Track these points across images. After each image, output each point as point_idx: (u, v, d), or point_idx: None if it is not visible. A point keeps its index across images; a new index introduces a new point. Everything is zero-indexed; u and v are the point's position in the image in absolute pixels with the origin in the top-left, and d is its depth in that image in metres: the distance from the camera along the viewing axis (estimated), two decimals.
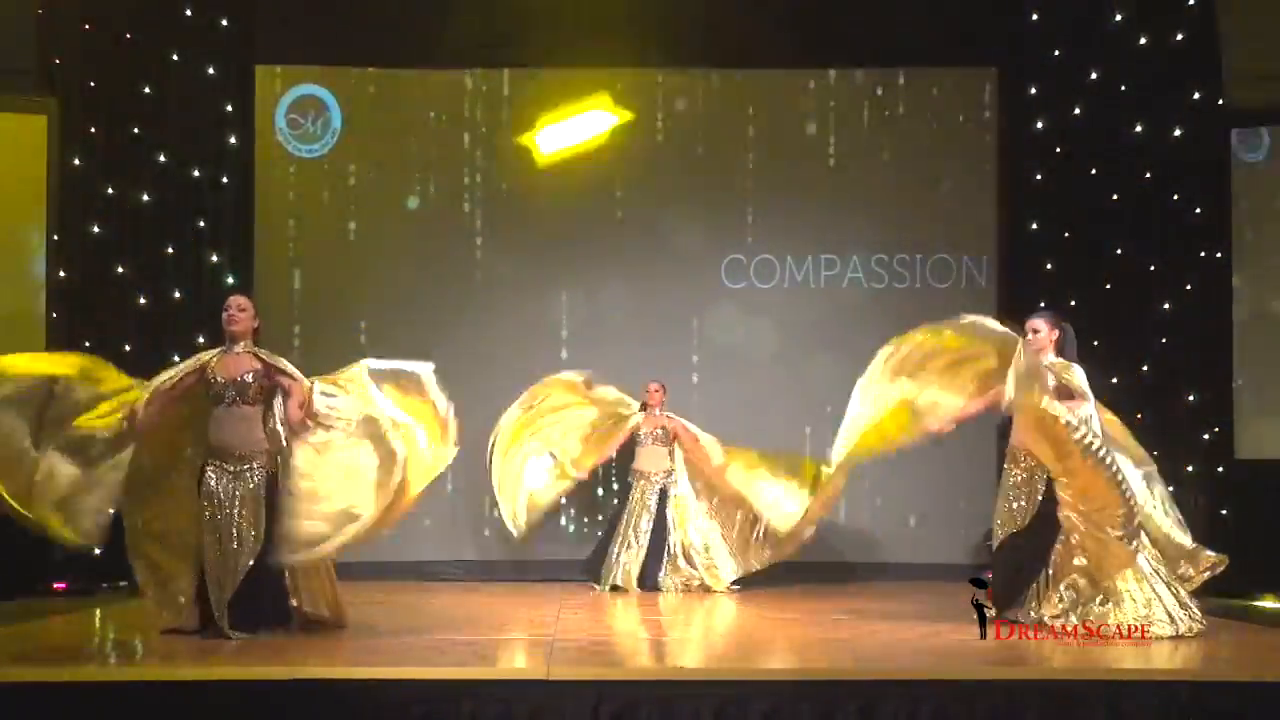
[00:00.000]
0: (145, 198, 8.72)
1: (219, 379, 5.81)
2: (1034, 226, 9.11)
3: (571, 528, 9.32)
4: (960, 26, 9.26)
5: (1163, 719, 4.50)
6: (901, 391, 6.28)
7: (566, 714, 4.43)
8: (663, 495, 8.57)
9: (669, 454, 8.65)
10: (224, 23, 8.99)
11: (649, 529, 8.47)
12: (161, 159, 8.78)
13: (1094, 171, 8.97)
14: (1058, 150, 9.08)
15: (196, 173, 8.89)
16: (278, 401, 5.90)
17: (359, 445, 5.72)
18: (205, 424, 5.87)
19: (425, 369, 5.93)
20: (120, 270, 8.67)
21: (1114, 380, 8.79)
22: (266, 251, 9.29)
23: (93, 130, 8.66)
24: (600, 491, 9.23)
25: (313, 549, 5.56)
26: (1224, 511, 8.62)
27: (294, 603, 5.95)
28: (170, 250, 8.80)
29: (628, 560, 8.42)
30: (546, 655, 5.22)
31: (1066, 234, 9.02)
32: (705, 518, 8.57)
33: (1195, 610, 5.98)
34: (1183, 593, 6.05)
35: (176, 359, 8.68)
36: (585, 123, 9.41)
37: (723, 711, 4.44)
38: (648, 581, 8.36)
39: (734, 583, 8.40)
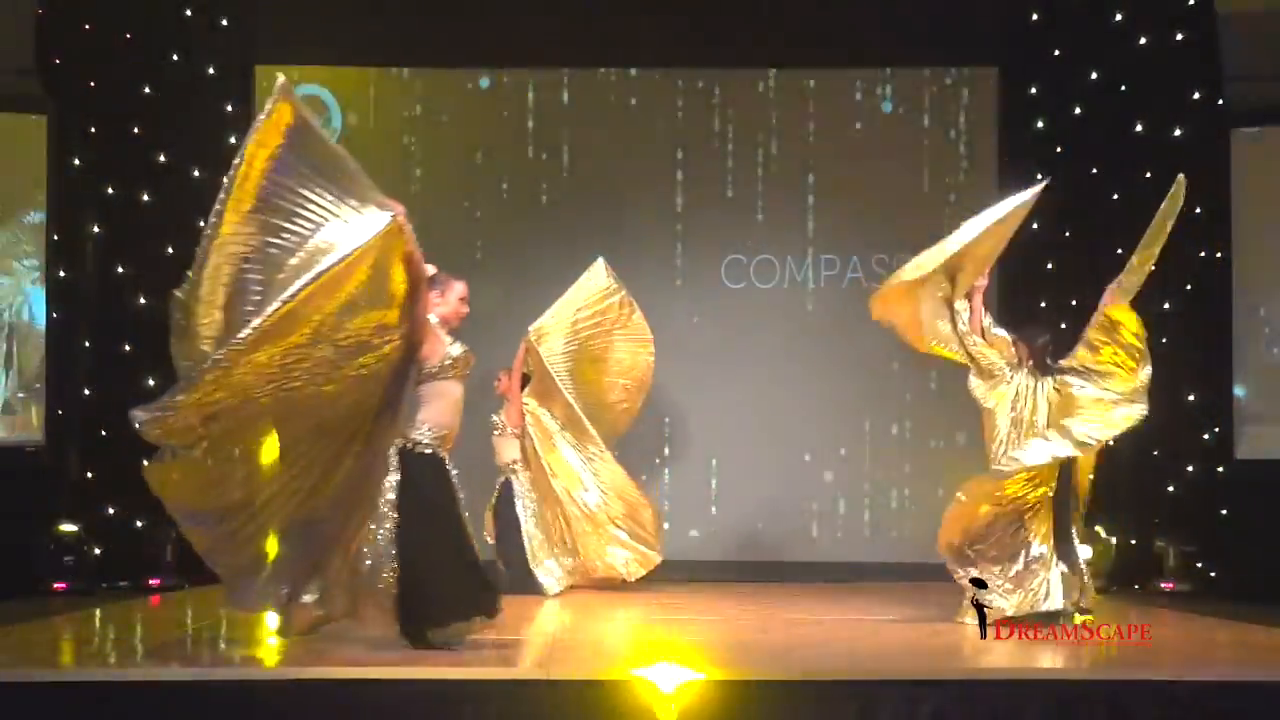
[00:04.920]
0: (145, 198, 8.72)
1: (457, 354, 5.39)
2: (1034, 226, 9.10)
3: None
4: (960, 26, 9.26)
5: (1163, 719, 4.50)
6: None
7: (567, 714, 4.43)
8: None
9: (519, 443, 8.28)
10: (224, 23, 8.99)
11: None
12: (161, 159, 8.78)
13: (1094, 171, 8.97)
14: (1058, 150, 9.07)
15: (196, 173, 8.89)
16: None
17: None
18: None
19: None
20: (120, 270, 8.67)
21: None
22: None
23: (93, 130, 8.66)
24: None
25: None
26: (1224, 511, 8.62)
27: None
28: (170, 250, 8.80)
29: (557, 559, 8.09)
30: (546, 655, 5.21)
31: (1067, 234, 9.02)
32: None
33: None
34: None
35: None
36: None
37: (723, 711, 4.44)
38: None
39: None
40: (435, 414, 5.23)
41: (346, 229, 4.77)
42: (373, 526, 5.10)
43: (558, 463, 8.19)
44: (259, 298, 4.69)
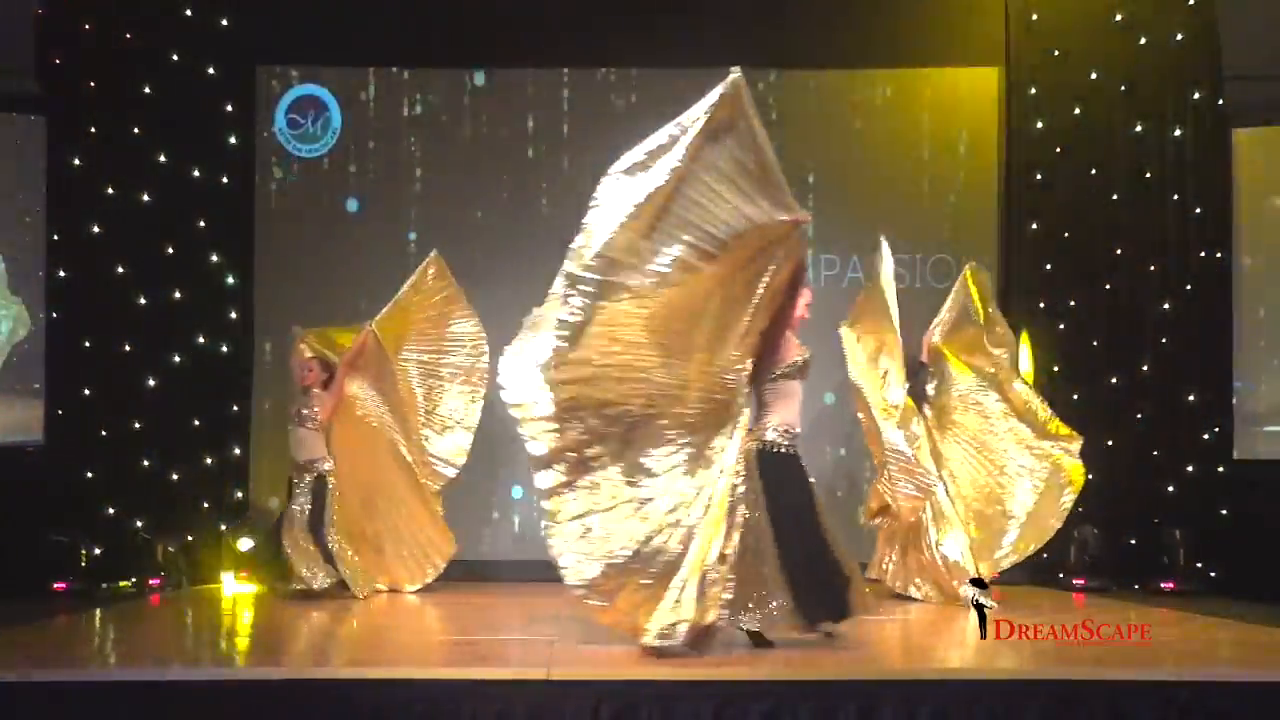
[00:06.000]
0: (145, 198, 8.72)
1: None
2: (1034, 226, 9.11)
3: None
4: (960, 26, 9.27)
5: (1163, 719, 4.50)
6: None
7: (566, 714, 4.43)
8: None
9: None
10: (224, 23, 8.99)
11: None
12: (161, 159, 8.77)
13: (1094, 171, 8.97)
14: (1058, 150, 9.07)
15: (196, 173, 8.89)
16: None
17: None
18: None
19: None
20: (120, 270, 8.66)
21: (1114, 380, 8.80)
22: (266, 251, 9.29)
23: (92, 130, 8.66)
24: None
25: None
26: (1224, 511, 8.63)
27: None
28: (170, 250, 8.80)
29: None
30: (546, 655, 5.21)
31: (1066, 234, 9.02)
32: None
33: None
34: None
35: (176, 359, 8.80)
36: None
37: (723, 711, 4.44)
38: None
39: None
40: (787, 414, 5.34)
41: (751, 219, 5.09)
42: (724, 532, 5.08)
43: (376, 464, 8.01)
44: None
